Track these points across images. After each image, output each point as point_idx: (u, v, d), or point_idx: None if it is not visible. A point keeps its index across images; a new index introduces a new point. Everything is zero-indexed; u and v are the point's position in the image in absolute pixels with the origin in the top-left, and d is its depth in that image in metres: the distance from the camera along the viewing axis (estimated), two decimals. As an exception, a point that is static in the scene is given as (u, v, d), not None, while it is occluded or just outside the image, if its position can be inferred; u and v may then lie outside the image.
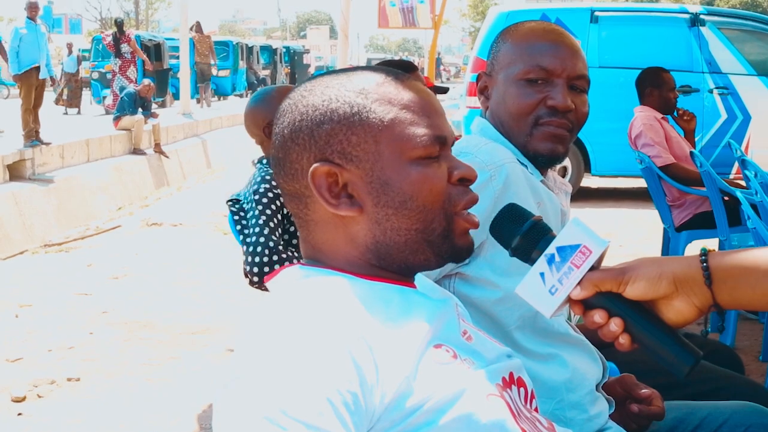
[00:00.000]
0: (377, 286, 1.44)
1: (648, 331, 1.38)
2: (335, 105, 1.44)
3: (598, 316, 1.40)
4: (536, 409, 1.57)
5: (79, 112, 22.76)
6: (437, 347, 1.39)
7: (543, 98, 2.13)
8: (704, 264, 1.38)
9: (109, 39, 19.53)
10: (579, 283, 1.40)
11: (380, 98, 1.45)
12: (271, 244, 3.25)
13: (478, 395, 1.37)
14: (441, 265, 1.51)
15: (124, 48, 19.22)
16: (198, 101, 24.63)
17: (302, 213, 1.49)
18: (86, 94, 25.46)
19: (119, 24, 19.88)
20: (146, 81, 15.97)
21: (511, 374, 1.52)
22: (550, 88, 2.14)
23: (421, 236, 1.45)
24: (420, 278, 1.58)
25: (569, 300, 1.41)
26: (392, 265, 1.47)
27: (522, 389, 1.54)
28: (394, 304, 1.41)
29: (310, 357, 1.24)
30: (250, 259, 3.24)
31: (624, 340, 1.39)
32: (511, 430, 1.39)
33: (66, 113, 22.43)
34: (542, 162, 2.18)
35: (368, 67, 1.54)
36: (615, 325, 1.39)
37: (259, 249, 3.24)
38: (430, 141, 1.45)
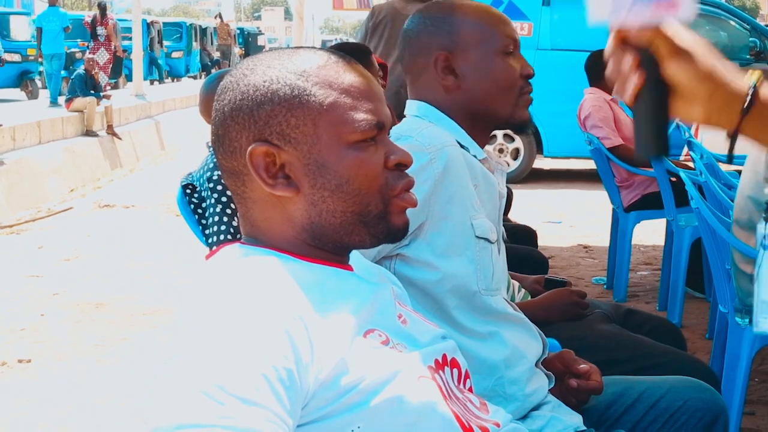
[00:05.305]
0: (314, 267, 1.46)
1: (652, 102, 1.29)
2: (276, 86, 1.46)
3: (629, 57, 1.29)
4: (470, 389, 1.61)
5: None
6: (370, 332, 1.42)
7: (520, 68, 2.21)
8: (752, 91, 1.28)
9: (89, 20, 19.44)
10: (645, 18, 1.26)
11: (320, 81, 1.47)
12: (232, 230, 3.25)
13: (409, 378, 1.40)
14: (376, 245, 1.54)
15: (100, 31, 19.08)
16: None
17: (240, 190, 1.51)
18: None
19: (102, 7, 19.69)
20: (89, 56, 15.77)
21: (444, 356, 1.56)
22: (520, 58, 2.22)
23: (357, 218, 1.48)
24: (358, 260, 1.61)
25: (617, 26, 1.30)
26: (327, 245, 1.50)
27: (455, 370, 1.58)
28: (330, 287, 1.43)
29: (247, 333, 1.26)
30: (216, 248, 3.23)
31: (637, 80, 1.28)
32: (441, 411, 1.43)
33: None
34: (523, 128, 2.28)
35: (312, 48, 1.55)
36: (635, 75, 1.28)
37: (222, 237, 3.24)
38: (368, 126, 1.48)
